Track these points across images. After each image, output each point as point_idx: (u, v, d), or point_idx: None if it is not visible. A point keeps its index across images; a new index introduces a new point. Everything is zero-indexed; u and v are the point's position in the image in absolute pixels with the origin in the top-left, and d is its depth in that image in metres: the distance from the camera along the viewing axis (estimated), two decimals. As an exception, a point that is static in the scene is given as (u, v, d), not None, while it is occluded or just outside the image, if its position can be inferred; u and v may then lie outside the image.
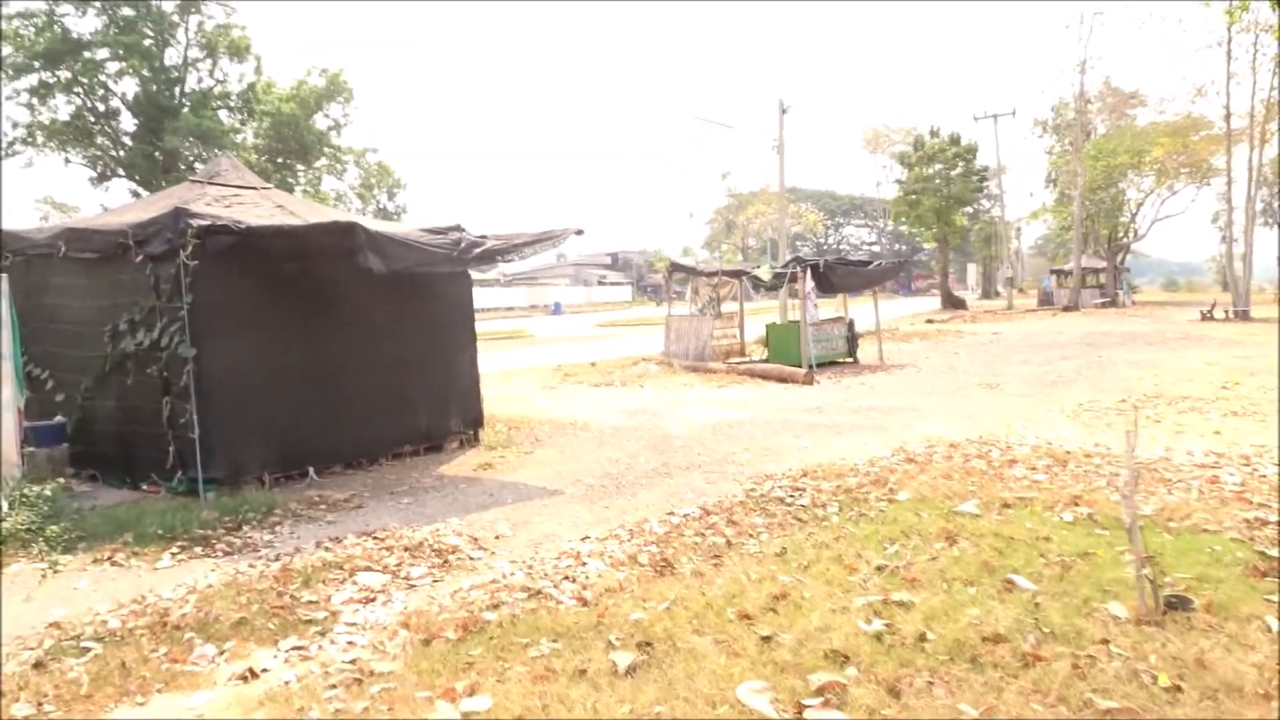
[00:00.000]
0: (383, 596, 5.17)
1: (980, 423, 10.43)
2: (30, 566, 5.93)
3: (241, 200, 9.09)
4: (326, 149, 41.66)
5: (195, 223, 7.43)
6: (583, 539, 6.21)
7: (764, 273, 19.12)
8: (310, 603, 5.03)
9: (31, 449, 7.95)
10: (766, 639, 4.13)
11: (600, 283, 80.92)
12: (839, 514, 6.44)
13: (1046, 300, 46.86)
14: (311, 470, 8.53)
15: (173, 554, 6.13)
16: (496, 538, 6.40)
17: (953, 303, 47.03)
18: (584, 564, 5.56)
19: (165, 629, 4.67)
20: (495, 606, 4.82)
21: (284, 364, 8.34)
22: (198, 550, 6.21)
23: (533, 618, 4.60)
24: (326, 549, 6.11)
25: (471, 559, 5.90)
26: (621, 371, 17.81)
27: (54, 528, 6.43)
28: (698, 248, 79.67)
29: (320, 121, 40.86)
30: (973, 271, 76.20)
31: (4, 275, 7.82)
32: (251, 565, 5.80)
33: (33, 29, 33.30)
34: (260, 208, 8.98)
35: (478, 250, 8.68)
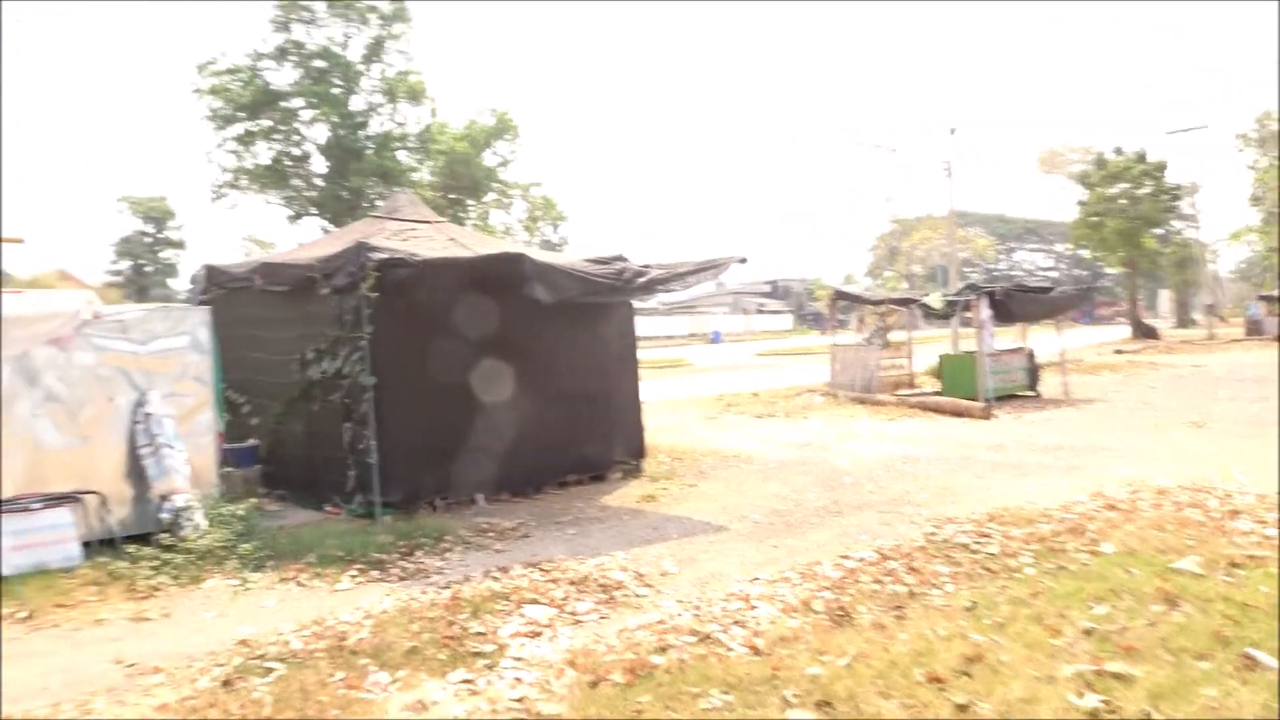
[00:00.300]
0: (549, 631, 5.10)
1: (1189, 466, 9.38)
2: (224, 583, 6.26)
3: (417, 234, 9.46)
4: (495, 184, 43.61)
5: (375, 256, 7.74)
6: (751, 580, 5.95)
7: (935, 300, 18.24)
8: (478, 634, 5.03)
9: (229, 469, 8.48)
10: (962, 708, 3.74)
11: (759, 311, 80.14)
12: (1034, 565, 5.87)
13: (1255, 329, 42.47)
14: (480, 497, 8.68)
15: (351, 576, 6.33)
16: (662, 574, 6.23)
17: (1144, 332, 43.46)
18: (754, 608, 5.30)
19: (343, 653, 4.77)
20: (663, 650, 4.63)
21: (455, 392, 8.54)
22: (374, 573, 6.38)
23: (702, 665, 4.38)
24: (494, 578, 6.13)
25: (637, 596, 5.76)
26: (785, 402, 17.39)
27: (246, 546, 6.79)
28: (860, 274, 77.71)
29: (489, 158, 42.82)
30: (1164, 298, 70.38)
31: (209, 307, 8.41)
32: (423, 592, 5.88)
33: (239, 83, 36.64)
34: (434, 241, 9.31)
35: (641, 280, 8.66)
